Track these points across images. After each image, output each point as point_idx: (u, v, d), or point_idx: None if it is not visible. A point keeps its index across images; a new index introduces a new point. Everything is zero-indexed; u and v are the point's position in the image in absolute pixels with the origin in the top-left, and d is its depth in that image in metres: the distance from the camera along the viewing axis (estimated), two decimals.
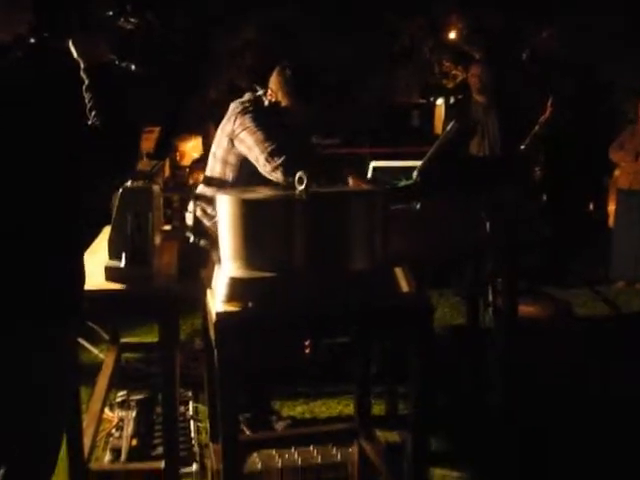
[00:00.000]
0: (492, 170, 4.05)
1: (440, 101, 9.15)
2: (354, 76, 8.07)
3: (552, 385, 4.12)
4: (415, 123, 7.66)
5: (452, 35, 8.79)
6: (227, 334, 2.32)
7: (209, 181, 3.73)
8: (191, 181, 6.57)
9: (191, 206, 3.79)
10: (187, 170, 7.18)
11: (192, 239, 3.68)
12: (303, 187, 2.46)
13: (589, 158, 7.81)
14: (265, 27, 7.76)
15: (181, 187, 3.60)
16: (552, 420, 3.86)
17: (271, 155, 3.38)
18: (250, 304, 2.36)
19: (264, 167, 3.39)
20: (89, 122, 2.01)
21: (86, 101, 2.01)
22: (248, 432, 3.75)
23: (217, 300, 2.42)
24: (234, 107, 3.64)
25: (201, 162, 6.24)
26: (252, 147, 3.46)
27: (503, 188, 3.75)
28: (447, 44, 8.81)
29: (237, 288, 2.38)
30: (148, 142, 7.27)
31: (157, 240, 3.09)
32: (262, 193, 2.69)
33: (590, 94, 8.37)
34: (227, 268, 2.46)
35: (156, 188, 3.01)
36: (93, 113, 2.01)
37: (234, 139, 3.55)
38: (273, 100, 3.62)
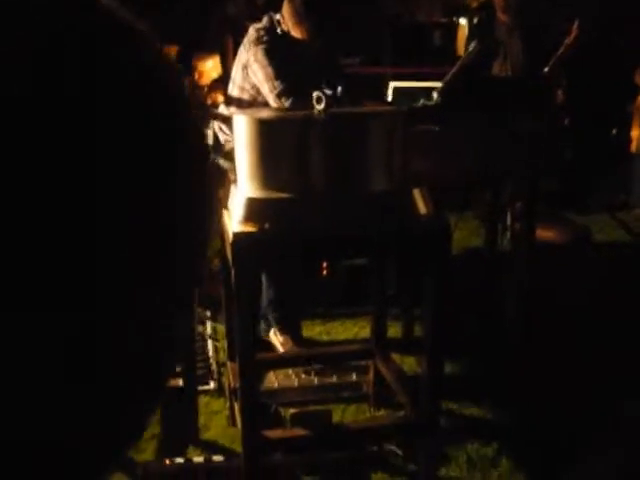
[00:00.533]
0: (514, 92, 3.97)
1: (463, 21, 8.93)
2: None
3: (567, 308, 4.12)
4: (437, 43, 7.49)
5: None
6: (243, 254, 2.33)
7: (229, 101, 3.72)
8: (210, 100, 6.51)
9: (211, 125, 3.78)
10: (205, 89, 7.10)
11: (211, 157, 3.68)
12: (322, 107, 2.43)
13: (614, 82, 7.64)
14: None
15: (199, 106, 3.55)
16: (566, 343, 3.87)
17: (279, 96, 3.42)
18: (267, 225, 2.36)
19: (272, 105, 3.45)
20: None
21: None
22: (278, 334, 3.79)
23: (234, 220, 2.41)
24: (250, 34, 3.63)
25: (220, 82, 6.16)
26: (262, 83, 3.51)
27: (524, 111, 3.68)
28: None
29: (254, 208, 2.37)
30: None
31: None
32: (279, 113, 2.66)
33: (617, 15, 8.14)
34: (244, 188, 2.45)
35: None
36: None
37: (248, 68, 3.59)
38: (286, 29, 3.59)
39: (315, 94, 2.44)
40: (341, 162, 2.37)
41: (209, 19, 7.87)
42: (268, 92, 3.47)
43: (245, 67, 3.60)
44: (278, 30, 3.60)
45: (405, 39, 7.40)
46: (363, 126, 2.44)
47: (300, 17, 3.52)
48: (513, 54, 5.46)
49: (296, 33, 3.56)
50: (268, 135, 2.39)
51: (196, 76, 7.44)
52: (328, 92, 2.42)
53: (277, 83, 3.44)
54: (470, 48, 3.20)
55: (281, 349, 3.73)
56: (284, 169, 2.37)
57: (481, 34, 5.10)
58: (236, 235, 2.33)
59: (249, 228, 2.35)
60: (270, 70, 3.47)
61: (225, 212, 2.68)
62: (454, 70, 3.14)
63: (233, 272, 2.36)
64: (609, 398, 3.38)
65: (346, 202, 2.37)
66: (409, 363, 3.70)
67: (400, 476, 2.92)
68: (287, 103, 3.35)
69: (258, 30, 3.62)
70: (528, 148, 3.45)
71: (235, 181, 2.56)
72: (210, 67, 7.39)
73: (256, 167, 2.40)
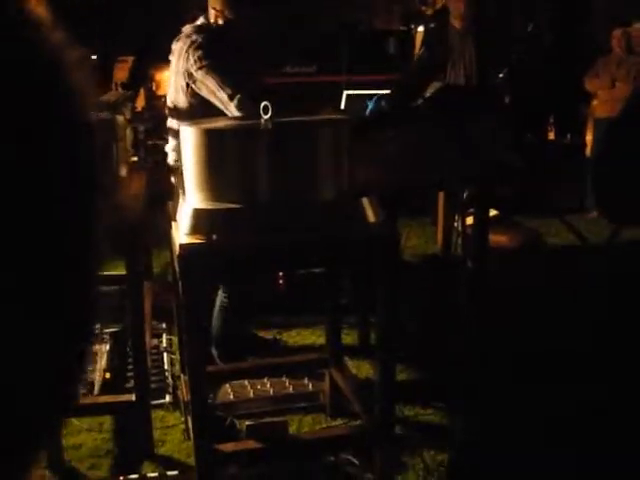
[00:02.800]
0: (465, 99, 3.99)
1: (421, 28, 8.99)
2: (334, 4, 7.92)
3: (518, 311, 4.14)
4: (391, 50, 7.53)
5: None
6: (190, 266, 2.30)
7: (172, 113, 3.64)
8: (167, 111, 6.47)
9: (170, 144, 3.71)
10: (163, 100, 7.05)
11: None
12: (268, 116, 2.42)
13: (567, 88, 7.74)
14: None
15: (143, 117, 3.52)
16: (519, 346, 3.89)
17: (239, 106, 3.29)
18: (214, 236, 2.34)
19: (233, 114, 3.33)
20: None
21: None
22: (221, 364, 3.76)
23: (181, 232, 2.39)
24: (180, 45, 3.51)
25: None
26: (213, 92, 3.38)
27: (476, 117, 3.70)
28: None
29: (200, 220, 2.35)
30: (122, 72, 7.13)
31: (123, 171, 3.04)
32: (225, 123, 2.64)
33: (568, 22, 8.26)
34: (191, 200, 2.43)
35: (120, 119, 2.95)
36: None
37: (191, 78, 3.44)
38: (220, 21, 3.50)
39: (262, 104, 2.43)
40: (288, 171, 2.36)
41: (164, 28, 7.83)
42: (224, 102, 3.35)
43: (188, 74, 3.44)
44: (212, 26, 3.50)
45: (361, 46, 7.42)
46: (309, 135, 2.44)
47: (232, 4, 3.45)
48: (466, 60, 5.50)
49: (231, 16, 3.47)
50: (214, 145, 2.37)
51: (153, 86, 7.41)
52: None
53: (230, 91, 3.33)
54: (416, 57, 3.21)
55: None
56: (231, 179, 2.35)
57: (431, 41, 5.12)
58: (183, 247, 2.31)
59: (196, 239, 2.33)
60: (218, 76, 3.36)
61: (173, 224, 2.66)
62: (401, 78, 3.15)
63: (180, 284, 2.34)
64: (562, 401, 3.40)
65: (294, 211, 2.36)
66: (365, 371, 3.70)
67: None
68: (245, 109, 3.23)
69: (191, 34, 3.50)
70: (480, 154, 3.46)
71: (183, 193, 2.54)
72: (167, 76, 7.35)
73: (203, 178, 2.38)
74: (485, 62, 5.38)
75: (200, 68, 3.40)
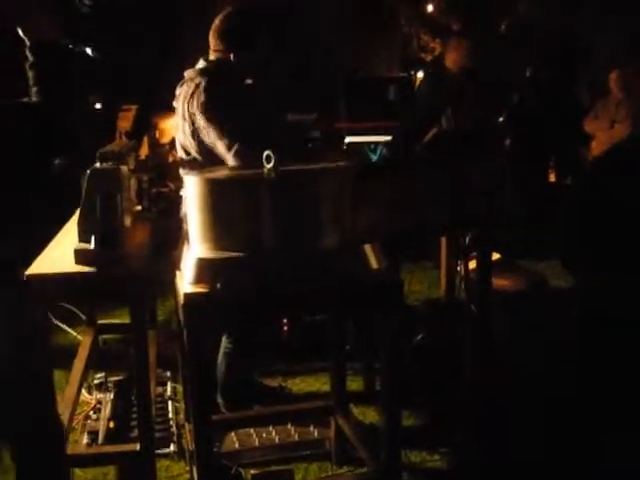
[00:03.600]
0: (466, 143, 4.03)
1: (421, 74, 9.08)
2: (330, 49, 8.01)
3: (523, 356, 4.13)
4: (391, 97, 7.60)
5: (429, 7, 8.71)
6: (194, 315, 2.31)
7: (182, 160, 3.67)
8: (171, 159, 6.52)
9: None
10: (167, 148, 7.10)
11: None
12: (271, 165, 2.44)
13: (567, 130, 7.80)
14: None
15: (147, 166, 3.55)
16: (522, 393, 3.88)
17: (237, 157, 3.31)
18: (219, 285, 2.35)
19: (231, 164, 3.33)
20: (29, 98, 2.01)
21: (29, 79, 2.00)
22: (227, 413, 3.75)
23: (185, 281, 2.40)
24: (184, 89, 3.51)
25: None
26: (215, 140, 3.39)
27: (477, 161, 3.74)
28: (425, 16, 8.75)
29: (205, 269, 2.36)
30: (126, 121, 7.19)
31: (128, 221, 3.06)
32: (229, 172, 2.67)
33: (567, 64, 8.34)
34: (195, 249, 2.45)
35: (124, 169, 2.97)
36: (34, 90, 2.00)
37: (196, 124, 3.44)
38: (223, 58, 3.51)
39: (265, 153, 2.46)
40: (291, 220, 2.37)
41: (167, 76, 7.92)
42: (224, 151, 3.36)
43: (192, 122, 3.44)
44: (214, 68, 3.50)
45: (362, 93, 7.50)
46: (312, 183, 2.46)
47: (229, 36, 3.46)
48: (465, 106, 5.57)
49: (230, 55, 3.47)
50: (218, 195, 2.40)
51: (157, 135, 7.47)
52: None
53: (227, 141, 3.33)
54: (414, 103, 3.26)
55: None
56: (234, 229, 2.37)
57: (429, 87, 5.19)
58: (187, 296, 2.32)
59: (200, 289, 2.34)
60: (219, 126, 3.36)
61: (178, 273, 2.67)
62: (401, 125, 3.19)
63: (185, 333, 2.34)
64: (567, 451, 3.38)
65: (297, 259, 2.37)
66: (371, 417, 3.68)
67: None
68: (246, 161, 3.20)
69: (194, 77, 3.49)
70: (481, 198, 3.49)
71: (187, 241, 2.56)
72: (171, 125, 7.41)
73: (206, 227, 2.40)
74: (486, 106, 5.46)
75: (203, 114, 3.39)
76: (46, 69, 2.03)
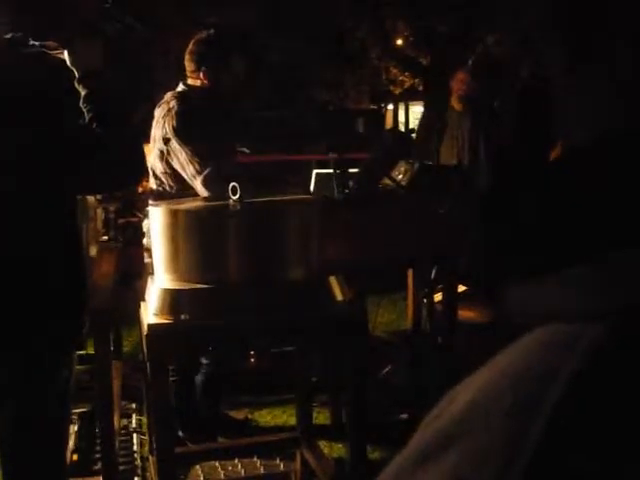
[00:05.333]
0: (438, 178, 4.07)
1: (391, 106, 9.20)
2: (300, 82, 8.08)
3: None
4: (360, 129, 7.68)
5: (399, 41, 8.84)
6: (158, 346, 2.30)
7: (152, 195, 3.65)
8: (140, 189, 6.50)
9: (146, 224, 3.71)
10: None
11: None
12: (237, 197, 2.45)
13: (535, 162, 7.91)
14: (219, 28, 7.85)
15: (114, 196, 3.53)
16: None
17: (205, 183, 3.31)
18: (183, 316, 2.34)
19: (199, 192, 3.34)
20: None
21: (85, 113, 1.97)
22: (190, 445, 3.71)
23: (149, 312, 2.39)
24: (159, 112, 3.52)
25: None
26: (184, 166, 3.38)
27: (446, 195, 3.77)
28: (394, 50, 8.87)
29: (169, 300, 2.35)
30: None
31: (93, 251, 3.05)
32: (194, 203, 2.67)
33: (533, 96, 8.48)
34: (159, 280, 2.44)
35: (91, 199, 2.97)
36: (94, 124, 1.97)
37: (166, 146, 3.44)
38: (197, 85, 3.53)
39: (231, 185, 2.47)
40: (256, 252, 2.38)
41: (137, 107, 7.93)
42: (192, 177, 3.36)
43: (164, 143, 3.44)
44: (189, 91, 3.52)
45: (331, 125, 7.56)
46: (278, 215, 2.47)
47: (204, 59, 3.48)
48: (464, 140, 5.70)
49: (205, 78, 3.49)
50: (182, 226, 2.40)
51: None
52: None
53: (198, 167, 3.32)
54: (384, 138, 3.29)
55: None
56: (199, 260, 2.37)
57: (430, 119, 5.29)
58: (150, 327, 2.31)
59: (164, 319, 2.33)
60: (189, 150, 3.35)
61: (142, 304, 2.66)
62: (368, 158, 3.22)
63: (148, 365, 2.33)
64: None
65: (262, 291, 2.37)
66: (337, 450, 3.66)
67: None
68: (212, 188, 3.24)
69: (169, 101, 3.49)
70: (448, 231, 3.52)
71: (152, 272, 2.55)
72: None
73: (171, 258, 2.40)
74: (482, 140, 5.58)
75: (174, 137, 3.39)
76: (106, 99, 1.99)
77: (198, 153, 3.36)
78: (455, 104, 5.86)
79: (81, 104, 1.99)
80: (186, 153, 3.37)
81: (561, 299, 0.48)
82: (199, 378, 3.76)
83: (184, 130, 3.39)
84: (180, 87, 3.59)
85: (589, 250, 0.48)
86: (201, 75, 3.52)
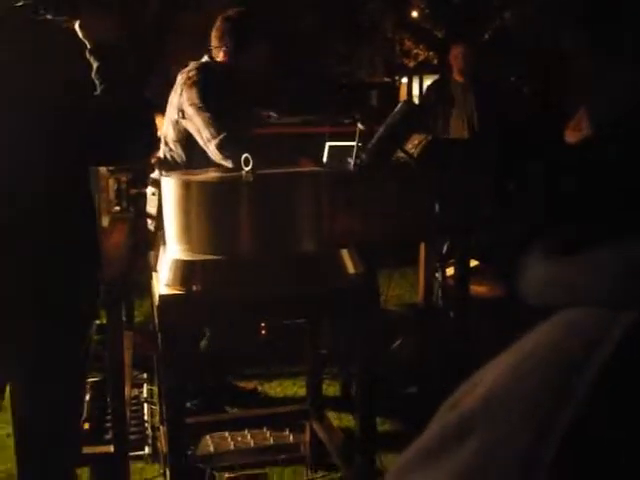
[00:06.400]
0: (450, 151, 4.04)
1: (405, 80, 9.14)
2: (316, 54, 8.03)
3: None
4: (373, 102, 7.63)
5: (414, 14, 8.77)
6: (169, 317, 2.30)
7: (161, 165, 3.67)
8: (153, 160, 6.50)
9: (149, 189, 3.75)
10: None
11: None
12: (249, 168, 2.44)
13: (550, 140, 7.85)
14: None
15: (126, 167, 3.54)
16: None
17: (219, 148, 3.33)
18: (194, 287, 2.34)
19: (213, 155, 3.37)
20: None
21: (97, 85, 1.96)
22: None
23: (161, 283, 2.40)
24: (179, 79, 3.57)
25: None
26: (200, 130, 3.41)
27: (460, 168, 3.75)
28: (408, 23, 8.79)
29: (180, 271, 2.35)
30: None
31: (105, 222, 3.05)
32: (207, 175, 2.67)
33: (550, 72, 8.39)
34: (171, 250, 2.44)
35: (102, 170, 2.97)
36: (106, 97, 1.96)
37: (182, 113, 3.49)
38: (219, 60, 3.57)
39: (243, 156, 2.46)
40: (268, 223, 2.37)
41: (151, 77, 7.91)
42: (207, 141, 3.37)
43: (179, 111, 3.49)
44: (211, 63, 3.57)
45: (344, 98, 7.52)
46: (290, 187, 2.46)
47: (231, 38, 3.52)
48: (468, 113, 5.65)
49: (229, 57, 3.54)
50: (195, 197, 2.39)
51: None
52: None
53: (213, 130, 3.35)
54: (396, 108, 3.26)
55: None
56: (211, 231, 2.37)
57: (437, 93, 5.27)
58: (162, 297, 2.31)
59: (176, 290, 2.33)
60: (207, 115, 3.38)
61: (154, 274, 2.66)
62: (381, 130, 3.20)
63: (159, 335, 2.33)
64: None
65: (273, 263, 2.37)
66: (347, 422, 3.68)
67: None
68: (227, 153, 3.27)
69: (189, 72, 3.54)
70: (461, 204, 3.50)
71: (164, 243, 2.55)
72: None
73: (183, 229, 2.39)
74: (487, 113, 5.54)
75: (191, 105, 3.43)
76: (118, 72, 1.98)
77: (214, 120, 3.39)
78: (457, 78, 5.82)
79: (93, 76, 1.97)
80: (202, 119, 3.40)
81: (592, 281, 0.46)
82: (203, 344, 3.78)
83: (202, 98, 3.42)
84: (204, 58, 3.64)
85: (624, 231, 0.47)
86: (221, 53, 3.57)
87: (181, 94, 3.49)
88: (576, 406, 0.41)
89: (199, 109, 3.41)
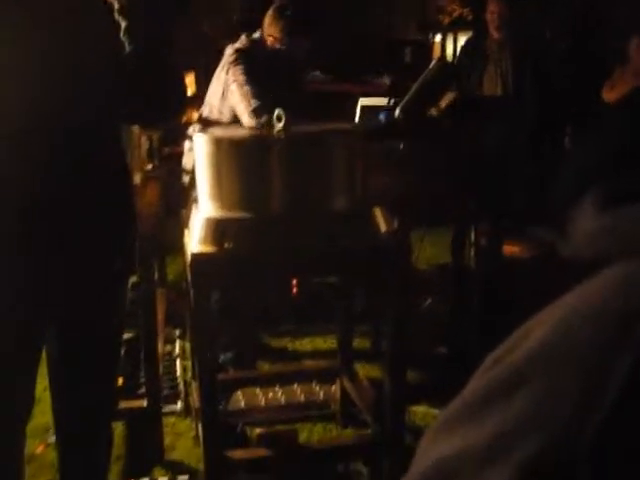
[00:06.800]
0: (482, 109, 4.00)
1: (438, 37, 9.00)
2: (349, 13, 7.92)
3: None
4: (407, 60, 7.53)
5: None
6: (201, 274, 2.32)
7: (204, 123, 3.72)
8: (184, 119, 6.49)
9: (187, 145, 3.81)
10: None
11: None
12: (282, 125, 2.43)
13: (585, 98, 7.70)
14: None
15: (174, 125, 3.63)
16: None
17: (252, 114, 3.44)
18: (226, 245, 2.35)
19: (246, 125, 3.47)
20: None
21: (126, 45, 1.95)
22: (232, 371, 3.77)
23: (193, 241, 2.41)
24: (228, 54, 3.69)
25: (195, 99, 6.16)
26: (238, 103, 3.55)
27: (492, 127, 3.71)
28: None
29: (212, 229, 2.36)
30: None
31: (137, 180, 3.06)
32: (240, 132, 2.66)
33: (586, 29, 8.22)
34: (204, 208, 2.44)
35: (134, 127, 2.97)
36: (133, 57, 1.96)
37: (226, 90, 3.63)
38: (268, 43, 3.69)
39: (276, 112, 2.45)
40: (300, 181, 2.37)
41: (178, 35, 7.86)
42: (243, 110, 3.51)
43: (223, 89, 3.65)
44: (262, 45, 3.68)
45: (377, 56, 7.43)
46: (322, 145, 2.45)
47: (287, 28, 3.62)
48: (504, 70, 5.55)
49: (285, 44, 3.65)
50: (227, 154, 2.39)
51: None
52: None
53: (253, 101, 3.47)
54: (430, 66, 3.23)
55: None
56: (243, 189, 2.37)
57: (468, 50, 5.19)
58: (194, 255, 2.32)
59: (208, 248, 2.35)
60: (247, 89, 3.52)
61: (186, 232, 2.68)
62: (415, 88, 3.17)
63: (192, 292, 2.35)
64: None
65: (305, 221, 2.37)
66: (376, 374, 3.68)
67: None
68: (261, 120, 3.31)
69: (238, 50, 3.67)
70: (495, 163, 3.47)
71: (196, 201, 2.56)
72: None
73: (216, 187, 2.40)
74: (523, 71, 5.45)
75: (234, 81, 3.57)
76: (147, 31, 1.98)
77: (252, 94, 3.51)
78: (493, 34, 5.71)
79: (121, 36, 1.96)
80: (241, 93, 3.53)
81: None
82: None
83: (245, 77, 3.56)
84: (256, 34, 3.74)
85: None
86: (271, 38, 3.68)
87: (227, 72, 3.63)
88: (631, 360, 0.41)
89: (240, 85, 3.55)
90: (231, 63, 3.62)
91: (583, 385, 0.41)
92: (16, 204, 1.89)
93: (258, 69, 3.60)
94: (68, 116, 1.86)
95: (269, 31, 3.68)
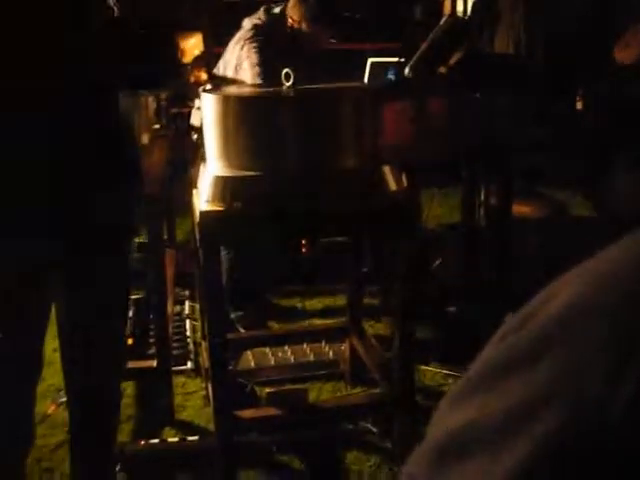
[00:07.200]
0: (492, 68, 3.94)
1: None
2: None
3: (540, 281, 4.10)
4: (418, 17, 7.43)
5: None
6: (210, 233, 2.31)
7: (211, 78, 3.71)
8: (192, 79, 6.44)
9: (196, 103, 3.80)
10: (188, 68, 7.01)
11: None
12: (290, 83, 2.40)
13: (597, 58, 7.60)
14: None
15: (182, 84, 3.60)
16: None
17: (257, 77, 3.46)
18: (235, 204, 2.33)
19: None
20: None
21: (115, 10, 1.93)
22: (242, 330, 3.78)
23: (201, 199, 2.39)
24: (246, 29, 3.65)
25: (203, 59, 6.09)
26: (248, 81, 3.50)
27: (502, 87, 3.66)
28: None
29: (220, 187, 2.34)
30: None
31: (145, 140, 3.04)
32: (247, 90, 2.63)
33: None
34: (212, 167, 2.42)
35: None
36: (125, 22, 1.94)
37: (239, 66, 3.59)
38: (295, 27, 3.64)
39: (284, 71, 2.42)
40: (310, 139, 2.34)
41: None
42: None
43: (236, 65, 3.61)
44: (279, 24, 3.64)
45: (386, 13, 7.33)
46: (331, 102, 2.42)
47: (314, 15, 3.58)
48: (515, 30, 5.47)
49: (308, 29, 3.61)
50: (235, 112, 2.36)
51: (179, 54, 7.38)
52: None
53: (263, 76, 3.46)
54: (441, 22, 3.18)
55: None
56: (251, 147, 2.34)
57: (480, 7, 5.11)
58: (202, 214, 2.31)
59: (216, 207, 2.33)
60: (258, 70, 3.50)
61: (194, 191, 2.66)
62: (425, 45, 3.12)
63: (200, 251, 2.34)
64: None
65: (315, 179, 2.34)
66: (384, 331, 3.68)
67: (375, 454, 2.92)
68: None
69: (253, 27, 3.62)
70: (503, 124, 3.42)
71: (204, 159, 2.54)
72: (192, 44, 7.31)
73: (224, 145, 2.38)
74: (536, 28, 5.36)
75: (247, 58, 3.54)
76: None
77: (262, 74, 3.49)
78: None
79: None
80: (252, 74, 3.51)
81: None
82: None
83: (258, 56, 3.53)
84: (276, 9, 3.69)
85: None
86: (290, 20, 3.64)
87: (242, 47, 3.59)
88: None
89: (252, 65, 3.52)
90: (247, 40, 3.58)
91: (615, 353, 0.39)
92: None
93: (274, 49, 3.56)
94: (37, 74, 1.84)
95: (291, 12, 3.63)
